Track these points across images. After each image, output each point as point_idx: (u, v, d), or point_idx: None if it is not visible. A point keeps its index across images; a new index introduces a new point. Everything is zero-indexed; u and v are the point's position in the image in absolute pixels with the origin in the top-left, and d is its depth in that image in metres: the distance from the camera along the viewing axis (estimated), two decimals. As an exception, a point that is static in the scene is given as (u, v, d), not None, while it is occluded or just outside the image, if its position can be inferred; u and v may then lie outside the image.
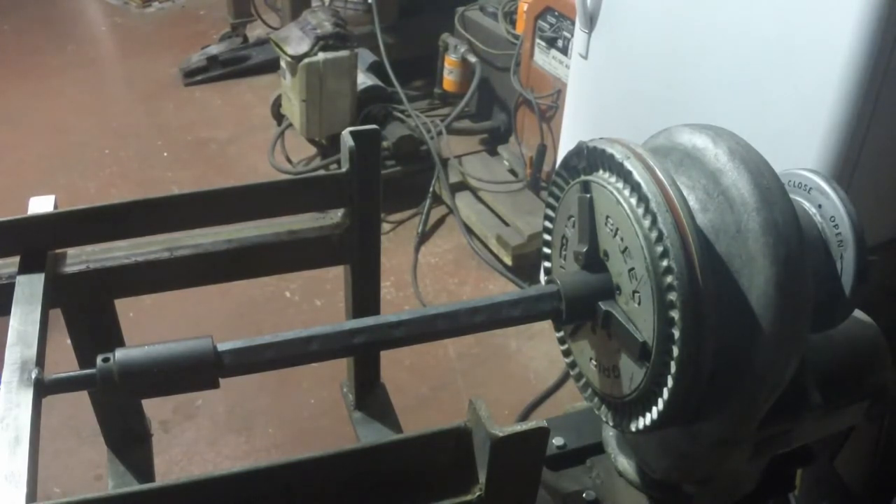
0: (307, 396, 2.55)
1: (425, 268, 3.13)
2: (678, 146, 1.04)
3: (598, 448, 1.28)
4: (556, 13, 2.98)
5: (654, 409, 0.99)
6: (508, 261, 3.04)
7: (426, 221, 3.29)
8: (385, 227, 3.24)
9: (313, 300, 2.95)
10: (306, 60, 3.18)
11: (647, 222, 0.95)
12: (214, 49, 4.33)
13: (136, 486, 1.13)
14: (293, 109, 3.39)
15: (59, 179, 3.53)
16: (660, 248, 0.93)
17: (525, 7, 3.15)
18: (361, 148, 1.33)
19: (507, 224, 3.12)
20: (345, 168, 1.35)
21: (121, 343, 1.41)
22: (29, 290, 1.17)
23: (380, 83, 3.44)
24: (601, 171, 1.04)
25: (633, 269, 0.98)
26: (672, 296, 0.92)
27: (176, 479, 0.82)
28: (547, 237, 1.20)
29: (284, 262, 1.47)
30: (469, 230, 3.22)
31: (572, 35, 2.81)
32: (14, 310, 1.13)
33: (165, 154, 3.75)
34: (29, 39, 4.72)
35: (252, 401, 2.53)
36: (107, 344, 1.04)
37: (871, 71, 1.62)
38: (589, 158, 1.06)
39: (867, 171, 1.77)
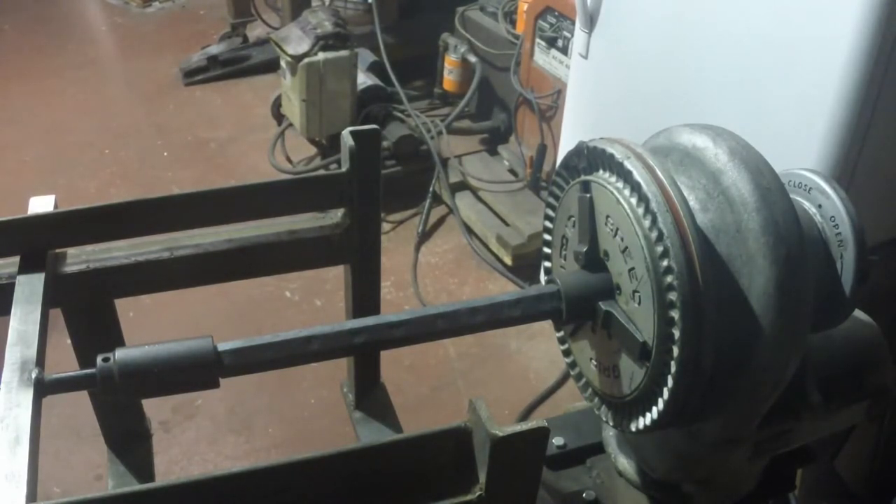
0: (307, 396, 2.55)
1: (425, 268, 3.13)
2: (678, 146, 1.04)
3: (598, 448, 1.28)
4: (556, 13, 2.98)
5: (654, 409, 0.99)
6: (508, 261, 3.04)
7: (426, 221, 3.29)
8: (385, 227, 3.24)
9: (313, 300, 2.95)
10: (306, 60, 3.18)
11: (647, 222, 0.94)
12: (214, 49, 4.34)
13: (136, 486, 1.13)
14: (293, 109, 3.39)
15: (59, 179, 3.53)
16: (660, 248, 0.93)
17: (525, 7, 3.15)
18: (361, 148, 1.33)
19: (507, 224, 3.11)
20: (345, 168, 1.35)
21: (121, 343, 1.40)
22: (29, 290, 1.17)
23: (380, 83, 3.44)
24: (601, 171, 1.04)
25: (633, 268, 0.98)
26: (672, 295, 0.92)
27: (176, 479, 0.82)
28: (547, 237, 1.20)
29: (284, 262, 1.47)
30: (469, 230, 3.21)
31: (572, 35, 2.81)
32: (14, 310, 1.13)
33: (165, 154, 3.75)
34: (29, 39, 4.72)
35: (252, 401, 2.53)
36: (107, 344, 1.04)
37: (871, 71, 1.62)
38: (589, 158, 1.06)
39: (867, 171, 1.77)
